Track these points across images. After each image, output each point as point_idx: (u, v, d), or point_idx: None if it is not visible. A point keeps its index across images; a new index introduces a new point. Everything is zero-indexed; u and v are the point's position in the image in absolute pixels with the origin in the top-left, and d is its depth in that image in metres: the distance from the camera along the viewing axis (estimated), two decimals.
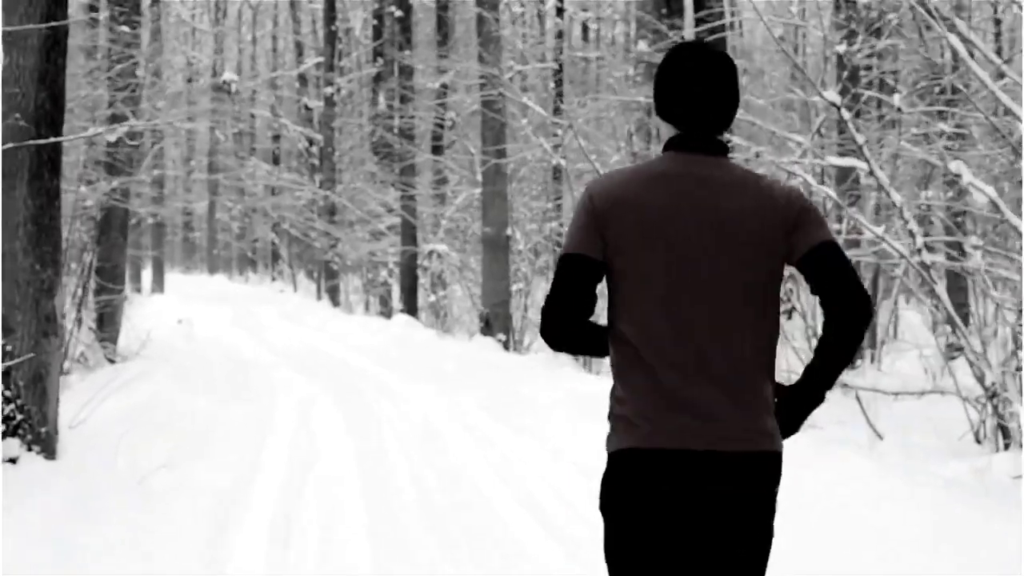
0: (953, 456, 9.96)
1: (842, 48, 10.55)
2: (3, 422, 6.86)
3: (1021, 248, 9.57)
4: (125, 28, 13.17)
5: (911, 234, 10.67)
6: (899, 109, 10.37)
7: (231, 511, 6.74)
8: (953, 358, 15.94)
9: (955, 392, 10.98)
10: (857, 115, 13.69)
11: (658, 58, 16.25)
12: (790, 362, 12.95)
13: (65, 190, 13.44)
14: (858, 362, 17.20)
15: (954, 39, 9.42)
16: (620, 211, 2.82)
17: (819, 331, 3.23)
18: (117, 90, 13.74)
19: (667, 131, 2.94)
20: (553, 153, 16.38)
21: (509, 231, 18.95)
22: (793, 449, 8.78)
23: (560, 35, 24.72)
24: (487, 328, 18.58)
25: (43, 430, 6.98)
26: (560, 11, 24.73)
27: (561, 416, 9.91)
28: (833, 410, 13.63)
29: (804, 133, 12.33)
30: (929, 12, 8.30)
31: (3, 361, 6.88)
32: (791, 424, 2.93)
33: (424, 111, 23.67)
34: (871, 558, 5.73)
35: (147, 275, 38.98)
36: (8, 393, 6.96)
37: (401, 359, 16.45)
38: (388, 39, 25.85)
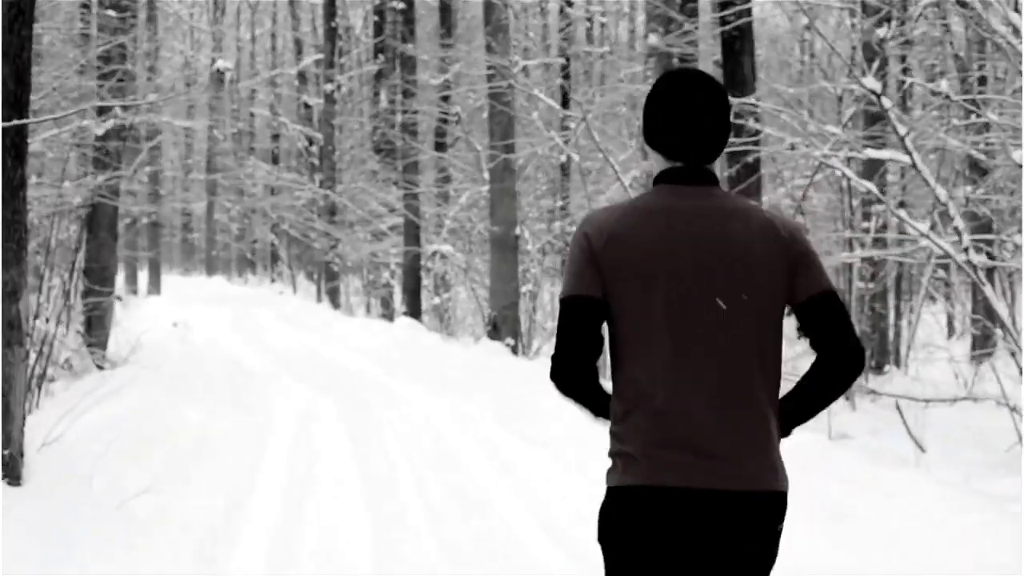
0: (1004, 470, 9.34)
1: (884, 31, 9.80)
2: None
3: None
4: (111, 12, 12.34)
5: (957, 232, 9.93)
6: (947, 97, 9.59)
7: (220, 543, 5.95)
8: (979, 363, 15.28)
9: (998, 400, 10.37)
10: (904, 106, 12.96)
11: (672, 50, 15.66)
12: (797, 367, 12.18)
13: (50, 185, 12.74)
14: (886, 367, 16.50)
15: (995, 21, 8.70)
16: (618, 248, 2.76)
17: None
18: (102, 76, 12.93)
19: (656, 159, 2.88)
20: (565, 147, 15.61)
21: (518, 230, 18.19)
22: (835, 463, 8.05)
23: (569, 24, 24.22)
24: (495, 332, 17.83)
25: (6, 452, 6.17)
26: (568, 3, 24.12)
27: (581, 429, 9.13)
28: (865, 419, 12.95)
29: (831, 125, 11.54)
30: None
31: None
32: None
33: (428, 105, 23.01)
34: None
35: (143, 277, 38.35)
36: None
37: (406, 364, 15.67)
38: (390, 32, 25.25)
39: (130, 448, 7.84)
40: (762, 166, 13.05)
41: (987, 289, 9.44)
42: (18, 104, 5.93)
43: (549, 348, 18.75)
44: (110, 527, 5.89)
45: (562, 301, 2.82)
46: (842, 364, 2.80)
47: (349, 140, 31.14)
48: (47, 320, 11.80)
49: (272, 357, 17.47)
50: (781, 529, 2.78)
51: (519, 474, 8.02)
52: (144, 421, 9.14)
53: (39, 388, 11.22)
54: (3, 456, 6.15)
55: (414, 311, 22.87)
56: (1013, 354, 9.58)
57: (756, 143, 12.30)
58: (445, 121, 23.33)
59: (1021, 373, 9.45)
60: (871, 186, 10.64)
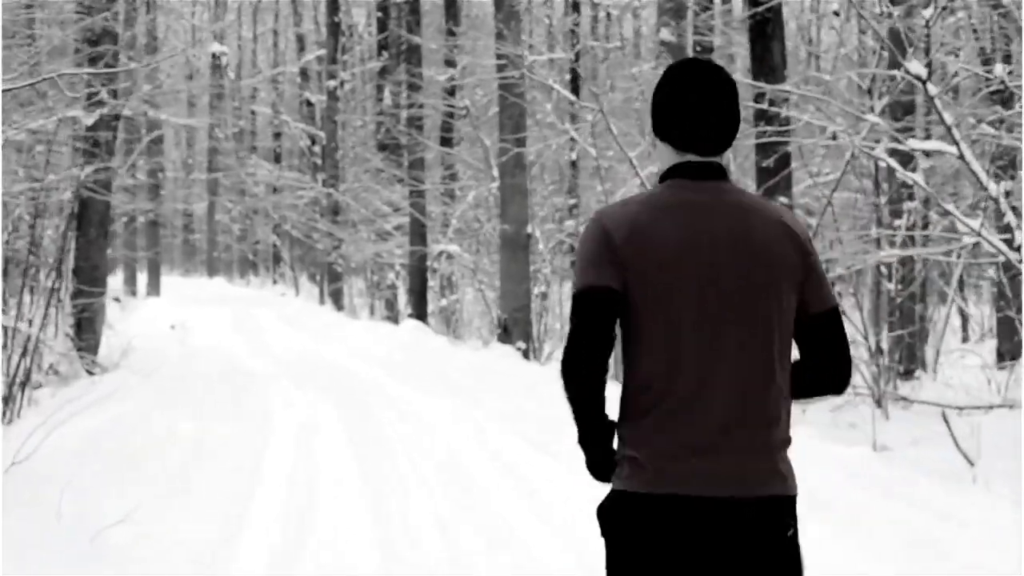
0: None
1: (929, 12, 9.05)
2: None
3: None
4: None
5: (1009, 229, 9.18)
6: (1002, 83, 8.82)
7: None
8: (1002, 367, 14.59)
9: None
10: (955, 93, 12.17)
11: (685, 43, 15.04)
12: None
13: (34, 179, 11.98)
14: (917, 372, 15.75)
15: None
16: (641, 241, 2.69)
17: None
18: (91, 61, 12.15)
19: (665, 152, 2.83)
20: (581, 141, 14.84)
21: (529, 229, 17.42)
22: (883, 478, 7.26)
23: (577, 20, 23.70)
24: (505, 335, 17.07)
25: None
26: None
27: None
28: (902, 429, 12.19)
29: (870, 115, 10.75)
30: None
31: None
32: None
33: (434, 98, 22.32)
34: None
35: (143, 278, 37.75)
36: None
37: (413, 370, 14.87)
38: (395, 23, 24.61)
39: (111, 466, 7.06)
40: (792, 159, 12.31)
41: None
42: None
43: (561, 352, 17.97)
44: (78, 562, 5.10)
45: (578, 293, 2.69)
46: (834, 382, 2.81)
47: (352, 138, 30.85)
48: (30, 322, 11.04)
49: (273, 361, 16.70)
50: (794, 535, 2.71)
51: (542, 497, 7.22)
52: (130, 434, 8.34)
53: (21, 396, 10.48)
54: None
55: (420, 313, 22.23)
56: (1015, 356, 8.86)
57: (787, 132, 11.56)
58: (451, 115, 22.71)
59: None
60: (918, 178, 9.88)
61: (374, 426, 9.99)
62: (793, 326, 2.74)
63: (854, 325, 15.03)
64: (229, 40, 45.79)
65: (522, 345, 16.93)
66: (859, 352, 14.57)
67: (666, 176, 2.80)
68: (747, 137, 11.84)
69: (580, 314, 2.67)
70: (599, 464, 2.73)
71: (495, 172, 18.87)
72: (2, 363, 10.23)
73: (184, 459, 7.90)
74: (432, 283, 22.96)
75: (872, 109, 12.67)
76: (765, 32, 11.72)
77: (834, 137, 10.34)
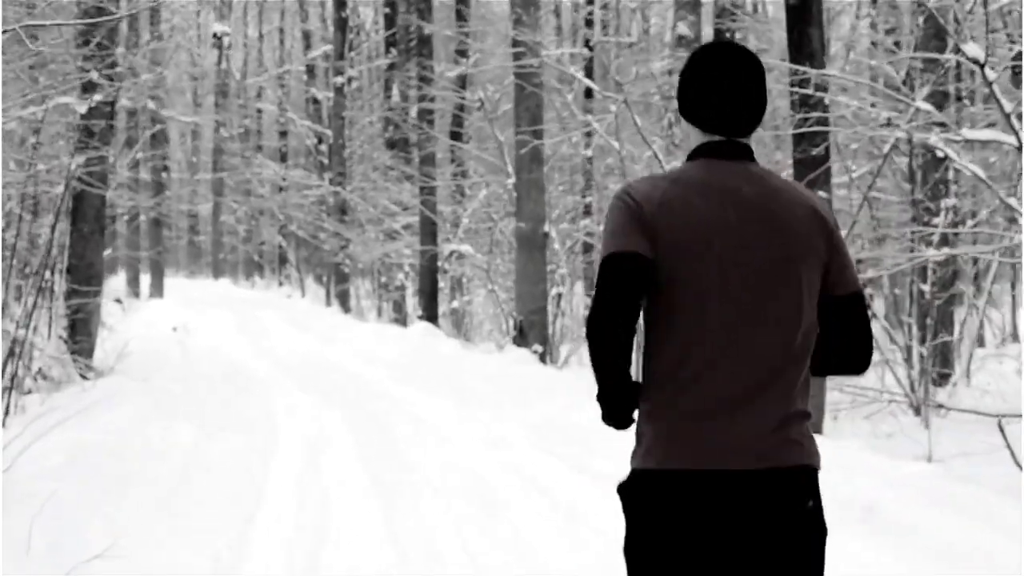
0: None
1: None
2: None
3: None
4: None
5: None
6: None
7: None
8: None
9: None
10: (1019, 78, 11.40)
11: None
12: None
13: (21, 171, 11.26)
14: (952, 378, 15.02)
15: None
16: (671, 215, 2.69)
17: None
18: (82, 45, 11.42)
19: (692, 133, 2.84)
20: (603, 133, 14.08)
21: (546, 227, 16.67)
22: (949, 494, 6.54)
23: (591, 13, 23.19)
24: (521, 338, 16.31)
25: None
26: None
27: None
28: (948, 438, 11.48)
29: (921, 102, 10.00)
30: None
31: None
32: None
33: (445, 91, 21.63)
34: None
35: (146, 279, 37.17)
36: None
37: (425, 375, 14.09)
38: (404, 17, 23.99)
39: (96, 485, 6.30)
40: (831, 152, 11.58)
41: None
42: None
43: (578, 357, 17.25)
44: None
45: (605, 259, 2.65)
46: (856, 363, 2.82)
47: (360, 137, 30.22)
48: (17, 324, 10.31)
49: (277, 366, 15.96)
50: (816, 507, 2.69)
51: (580, 525, 6.44)
52: (119, 447, 7.56)
53: (8, 402, 9.75)
54: None
55: (431, 315, 21.52)
56: None
57: (826, 121, 10.82)
58: (462, 108, 22.03)
59: None
60: (977, 170, 9.12)
61: (388, 440, 9.17)
62: (816, 306, 2.73)
63: (888, 331, 14.32)
64: (235, 39, 45.30)
65: (539, 348, 16.18)
66: (892, 355, 13.88)
67: (693, 156, 2.80)
68: (787, 127, 11.11)
69: (605, 277, 2.63)
70: (616, 417, 2.66)
71: (510, 168, 18.13)
72: None
73: (178, 477, 7.12)
74: (442, 284, 22.29)
75: (913, 94, 11.93)
76: (803, 15, 10.95)
77: (888, 122, 9.55)
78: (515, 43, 15.26)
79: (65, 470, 6.40)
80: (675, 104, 17.77)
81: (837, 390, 12.39)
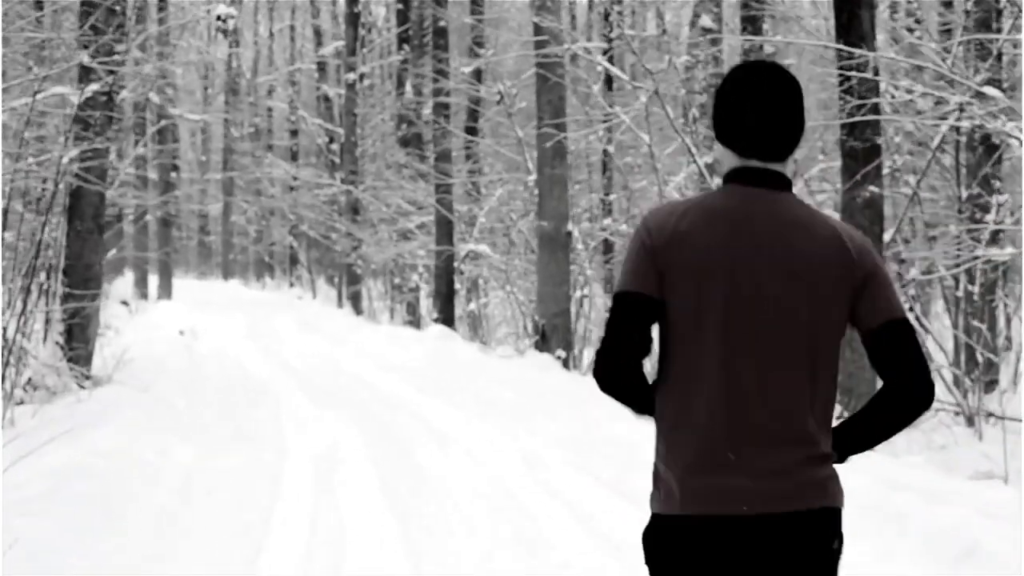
0: None
1: None
2: None
3: None
4: None
5: None
6: None
7: None
8: None
9: None
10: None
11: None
12: None
13: (12, 166, 10.52)
14: (1003, 385, 14.21)
15: None
16: (679, 247, 2.65)
17: None
18: (81, 32, 10.67)
19: (726, 156, 2.74)
20: (633, 126, 13.29)
21: (569, 226, 15.88)
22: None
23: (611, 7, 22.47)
24: (543, 342, 15.54)
25: None
26: None
27: None
28: (1000, 448, 10.72)
29: (988, 87, 9.22)
30: None
31: None
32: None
33: (461, 85, 20.88)
34: None
35: (154, 280, 36.59)
36: None
37: (444, 383, 13.28)
38: (417, 11, 23.33)
39: (80, 515, 5.51)
40: (882, 151, 10.80)
41: None
42: None
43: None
44: None
45: (615, 296, 2.68)
46: (913, 402, 2.66)
47: (372, 135, 29.60)
48: (4, 329, 9.55)
49: (288, 373, 15.18)
50: (837, 547, 2.62)
51: (626, 555, 5.64)
52: (109, 470, 6.77)
53: None
54: None
55: (447, 318, 20.77)
56: None
57: (877, 109, 10.04)
58: (478, 103, 21.31)
59: None
60: None
61: (408, 460, 8.33)
62: (839, 345, 2.65)
63: (933, 336, 13.52)
64: (245, 38, 44.81)
65: (562, 353, 15.41)
66: (939, 358, 13.11)
67: (725, 180, 2.73)
68: (837, 116, 10.34)
69: (613, 316, 2.65)
70: (644, 413, 2.68)
71: (531, 164, 17.37)
72: None
73: (173, 505, 6.31)
74: (457, 286, 21.56)
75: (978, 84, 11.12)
76: None
77: (960, 109, 8.74)
78: (537, 30, 14.48)
79: (45, 502, 5.62)
80: (697, 99, 17.07)
81: None
